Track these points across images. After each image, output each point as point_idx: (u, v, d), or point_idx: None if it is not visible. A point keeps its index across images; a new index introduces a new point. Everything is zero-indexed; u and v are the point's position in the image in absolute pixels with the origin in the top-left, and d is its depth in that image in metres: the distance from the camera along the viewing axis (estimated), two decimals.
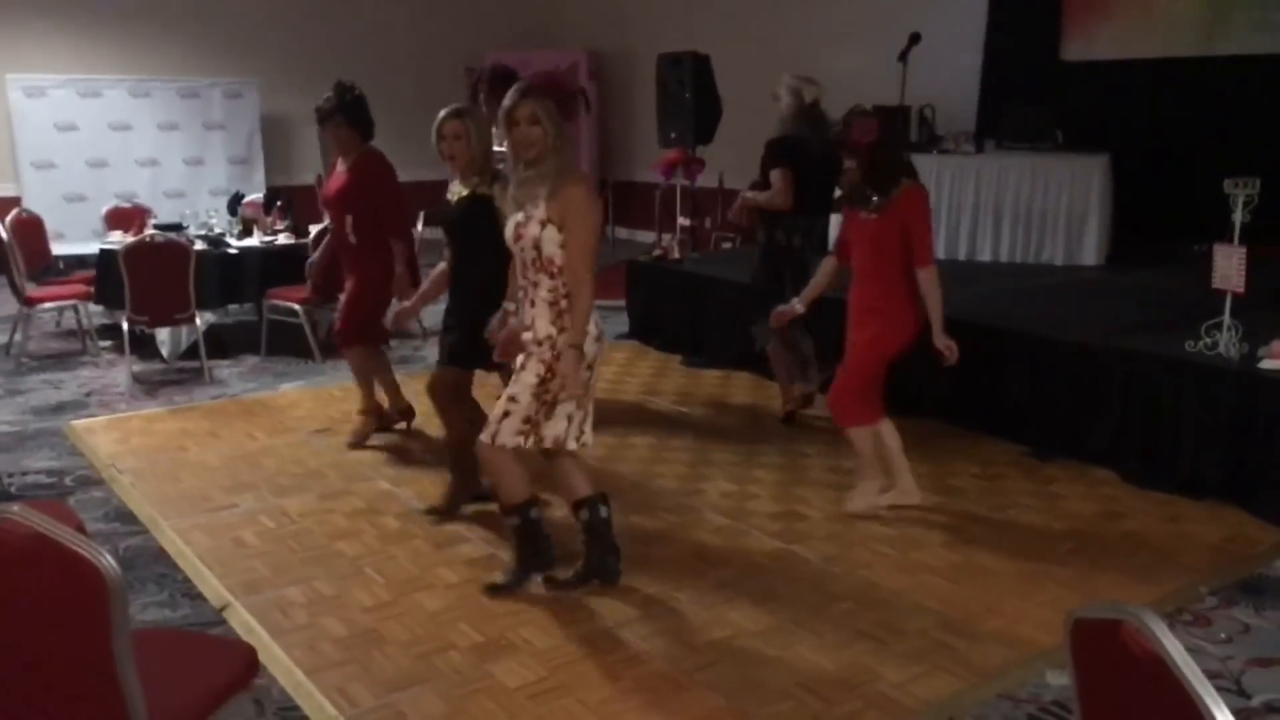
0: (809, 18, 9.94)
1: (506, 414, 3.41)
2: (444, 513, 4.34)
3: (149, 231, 6.84)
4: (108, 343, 7.36)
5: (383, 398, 5.38)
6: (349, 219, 5.05)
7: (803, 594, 3.69)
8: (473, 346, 3.97)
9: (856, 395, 4.28)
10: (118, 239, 7.00)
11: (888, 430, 4.34)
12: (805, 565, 3.91)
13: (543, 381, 3.38)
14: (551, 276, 3.35)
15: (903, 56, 6.53)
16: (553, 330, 3.36)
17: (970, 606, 3.60)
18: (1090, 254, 7.34)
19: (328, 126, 5.01)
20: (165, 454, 5.16)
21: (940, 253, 7.82)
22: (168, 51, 10.66)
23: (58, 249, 8.42)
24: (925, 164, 7.86)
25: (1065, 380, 5.11)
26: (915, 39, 6.58)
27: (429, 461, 5.02)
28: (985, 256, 7.61)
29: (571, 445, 3.50)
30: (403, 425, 5.45)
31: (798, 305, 4.58)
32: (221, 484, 4.74)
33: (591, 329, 3.38)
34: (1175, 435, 4.66)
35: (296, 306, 6.82)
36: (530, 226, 3.32)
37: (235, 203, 7.92)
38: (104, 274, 6.84)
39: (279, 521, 4.32)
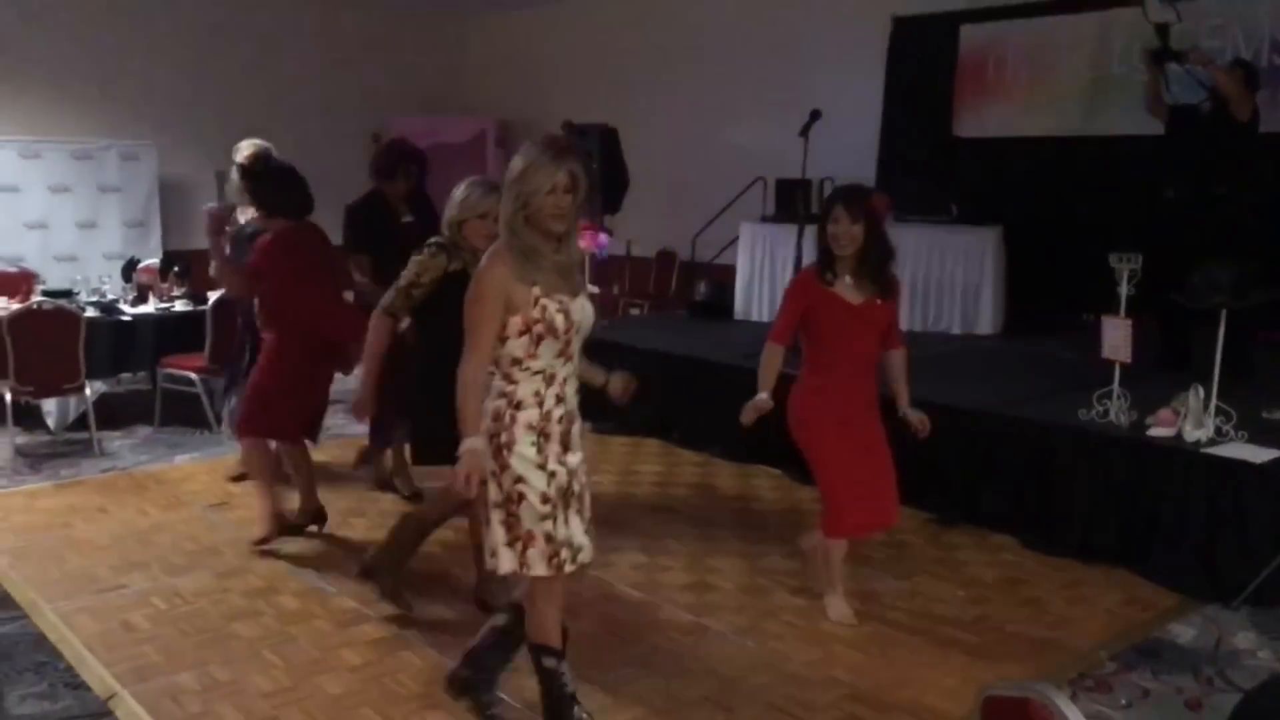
0: (714, 94, 10.19)
1: None
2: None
3: (36, 298, 6.58)
4: None
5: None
6: None
7: (714, 668, 3.67)
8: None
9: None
10: (1, 305, 6.71)
11: None
12: (717, 638, 3.88)
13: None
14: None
15: (804, 132, 6.72)
16: None
17: (880, 677, 3.62)
18: (986, 323, 7.61)
19: None
20: (49, 532, 4.91)
21: None
22: (61, 112, 10.35)
23: None
24: None
25: (964, 447, 5.24)
26: (816, 115, 6.79)
27: (328, 538, 4.88)
28: None
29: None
30: (313, 529, 4.88)
31: (765, 397, 3.80)
32: (110, 563, 4.52)
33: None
34: (1070, 501, 4.81)
35: (193, 375, 6.61)
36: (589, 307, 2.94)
37: (130, 268, 7.69)
38: None
39: (171, 603, 4.13)
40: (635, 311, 10.14)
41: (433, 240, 3.79)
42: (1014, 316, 7.75)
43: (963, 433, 5.23)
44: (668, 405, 6.57)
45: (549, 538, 2.83)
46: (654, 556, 4.71)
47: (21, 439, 6.39)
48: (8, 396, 6.08)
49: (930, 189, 8.08)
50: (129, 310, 7.02)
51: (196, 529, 4.95)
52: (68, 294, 7.13)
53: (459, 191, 3.78)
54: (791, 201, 7.86)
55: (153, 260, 8.15)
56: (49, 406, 6.56)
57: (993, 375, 6.19)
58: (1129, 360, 4.75)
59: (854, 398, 3.84)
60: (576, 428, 2.94)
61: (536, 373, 2.82)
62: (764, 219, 8.72)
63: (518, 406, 2.81)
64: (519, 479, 2.81)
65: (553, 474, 2.84)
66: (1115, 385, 4.83)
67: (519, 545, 2.83)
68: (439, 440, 3.37)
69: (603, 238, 7.12)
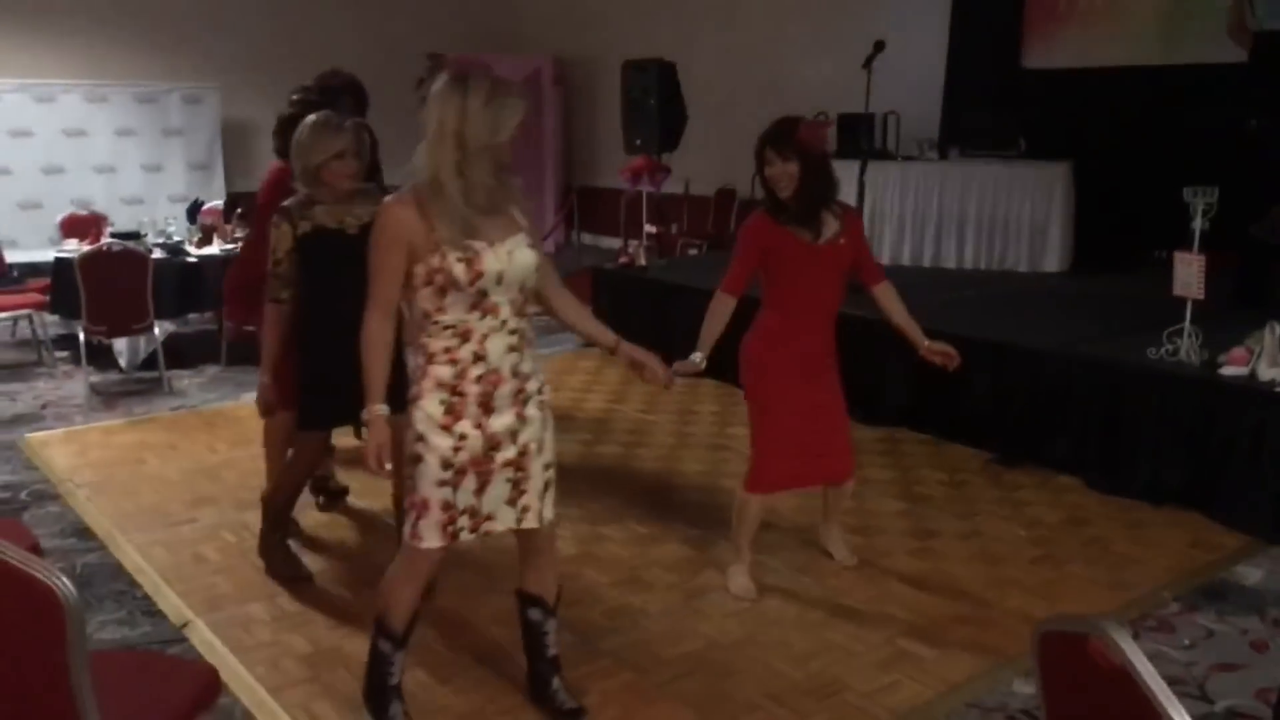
0: (774, 26, 9.99)
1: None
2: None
3: (106, 239, 6.73)
4: (64, 353, 7.23)
5: None
6: None
7: (773, 603, 3.69)
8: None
9: None
10: (74, 247, 6.87)
11: None
12: (775, 574, 3.90)
13: None
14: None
15: (867, 64, 6.56)
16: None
17: (937, 615, 3.61)
18: (1053, 260, 7.44)
19: None
20: (123, 467, 5.07)
21: (905, 259, 7.92)
22: (125, 56, 10.50)
23: (11, 257, 8.23)
24: (890, 171, 7.95)
25: (1029, 387, 5.15)
26: (880, 47, 6.61)
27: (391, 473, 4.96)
28: (950, 263, 7.68)
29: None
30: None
31: (700, 358, 3.58)
32: (181, 498, 4.66)
33: None
34: (1137, 441, 4.71)
35: None
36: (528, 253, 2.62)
37: (194, 210, 7.82)
38: (59, 283, 6.71)
39: (241, 536, 4.25)
40: (693, 252, 10.07)
41: (281, 206, 3.60)
42: (1083, 253, 7.55)
43: (1028, 372, 5.14)
44: (724, 345, 6.54)
45: (445, 505, 2.59)
46: (712, 495, 4.72)
47: (95, 378, 6.57)
48: (82, 336, 6.25)
49: (997, 122, 7.87)
50: (194, 251, 7.14)
51: (264, 465, 5.04)
52: (135, 236, 7.27)
53: (304, 137, 3.50)
54: (854, 137, 7.71)
55: (216, 202, 8.26)
56: (120, 346, 6.74)
57: (1060, 313, 6.06)
58: (1201, 297, 4.60)
59: (816, 346, 3.62)
60: (507, 390, 2.61)
61: (447, 327, 2.55)
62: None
63: (430, 360, 2.57)
64: (420, 438, 2.57)
65: (462, 437, 2.57)
66: (1186, 323, 4.70)
67: (413, 513, 2.62)
68: (313, 403, 3.66)
69: None
